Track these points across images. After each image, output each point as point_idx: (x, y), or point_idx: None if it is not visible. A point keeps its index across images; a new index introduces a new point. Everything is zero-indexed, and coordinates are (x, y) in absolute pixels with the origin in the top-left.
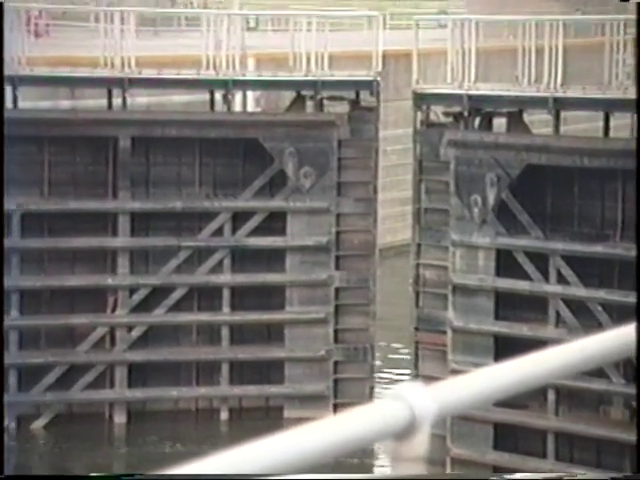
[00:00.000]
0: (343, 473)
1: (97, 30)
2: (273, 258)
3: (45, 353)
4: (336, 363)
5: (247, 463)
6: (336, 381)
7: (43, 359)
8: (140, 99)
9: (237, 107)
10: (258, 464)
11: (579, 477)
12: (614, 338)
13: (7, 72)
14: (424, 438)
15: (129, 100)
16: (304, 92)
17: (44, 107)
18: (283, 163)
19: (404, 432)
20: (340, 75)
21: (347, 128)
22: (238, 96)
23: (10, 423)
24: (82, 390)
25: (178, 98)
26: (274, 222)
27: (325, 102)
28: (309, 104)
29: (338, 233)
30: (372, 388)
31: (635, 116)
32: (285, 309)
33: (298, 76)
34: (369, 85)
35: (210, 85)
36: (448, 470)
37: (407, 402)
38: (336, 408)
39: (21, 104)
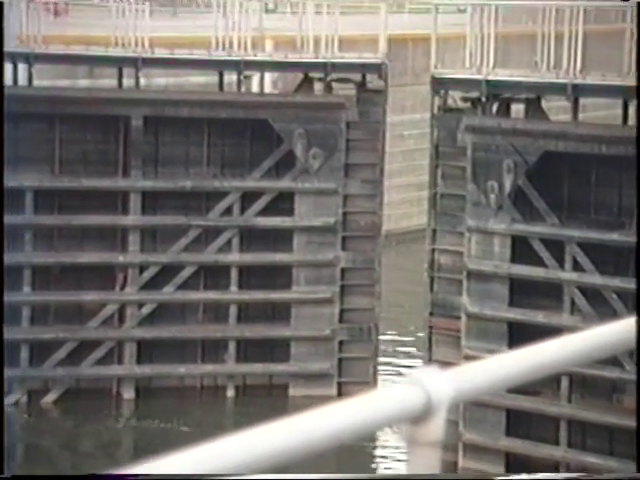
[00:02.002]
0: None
1: (115, 10)
2: (280, 238)
3: (56, 329)
4: (341, 342)
5: (258, 446)
6: (340, 360)
7: (54, 335)
8: (158, 80)
9: (254, 89)
10: (270, 447)
11: (595, 477)
12: (614, 331)
13: (23, 50)
14: (440, 423)
15: (147, 81)
16: (312, 74)
17: (57, 85)
18: (292, 144)
19: (420, 416)
20: (349, 57)
21: (355, 110)
22: (255, 78)
23: (21, 397)
24: (92, 366)
25: (195, 79)
26: (282, 202)
27: (333, 84)
28: (317, 86)
29: (345, 214)
30: (375, 367)
31: None
32: (292, 288)
33: (308, 58)
34: (377, 68)
35: (222, 66)
36: (460, 455)
37: (424, 386)
38: (340, 387)
39: (39, 82)
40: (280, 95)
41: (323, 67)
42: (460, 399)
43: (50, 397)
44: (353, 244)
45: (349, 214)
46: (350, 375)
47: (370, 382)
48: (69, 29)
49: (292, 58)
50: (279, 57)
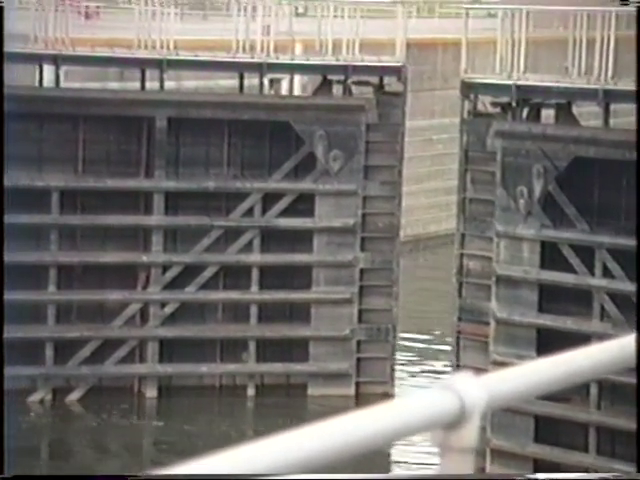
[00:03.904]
0: None
1: (145, 13)
2: (300, 239)
3: (80, 327)
4: (359, 342)
5: (289, 450)
6: (358, 360)
7: (79, 333)
8: (188, 83)
9: (283, 92)
10: (303, 451)
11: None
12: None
13: (50, 52)
14: (474, 429)
15: (177, 83)
16: (330, 76)
17: (82, 87)
18: (313, 146)
19: (454, 422)
20: (370, 60)
21: (375, 112)
22: (285, 81)
23: (46, 395)
24: (115, 364)
25: (224, 82)
26: (303, 204)
27: (353, 86)
28: (335, 88)
29: (364, 215)
30: (393, 367)
31: None
32: (311, 289)
33: (329, 61)
34: (397, 71)
35: (244, 68)
36: (488, 461)
37: (457, 392)
38: (358, 387)
39: (70, 84)
40: (301, 97)
41: (344, 70)
42: (493, 405)
43: (74, 395)
44: (372, 245)
45: (368, 215)
46: (368, 375)
47: (387, 382)
48: (99, 32)
49: (313, 61)
50: (301, 59)
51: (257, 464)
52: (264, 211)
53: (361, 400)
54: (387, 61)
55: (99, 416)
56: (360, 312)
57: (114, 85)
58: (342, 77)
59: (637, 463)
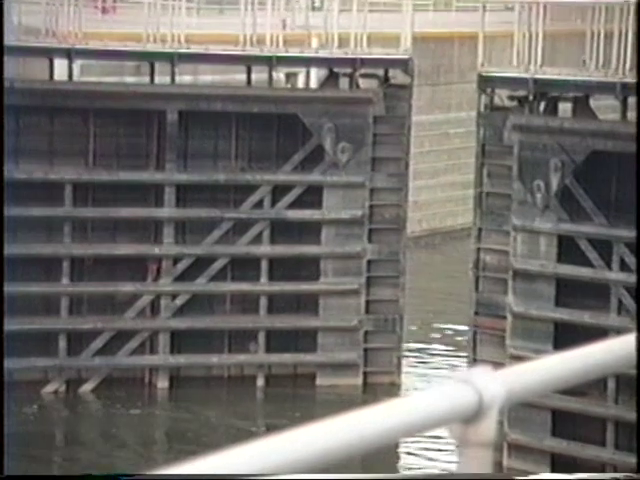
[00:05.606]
0: None
1: (157, 7)
2: (309, 230)
3: (93, 319)
4: (366, 333)
5: (307, 445)
6: (366, 350)
7: (92, 325)
8: (204, 77)
9: (300, 85)
10: (319, 447)
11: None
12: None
13: (63, 45)
14: (492, 423)
15: (194, 78)
16: (338, 69)
17: (93, 80)
18: (321, 138)
19: (472, 416)
20: (377, 53)
21: (382, 105)
22: (301, 75)
23: (60, 387)
24: (127, 356)
25: (240, 76)
26: (311, 195)
27: (359, 79)
28: (343, 81)
29: (371, 207)
30: (399, 358)
31: None
32: (320, 280)
33: (336, 54)
34: (404, 63)
35: (254, 61)
36: (505, 455)
37: (475, 386)
38: (365, 376)
39: (87, 78)
40: (309, 90)
41: (352, 62)
42: (512, 400)
43: (88, 386)
44: (379, 237)
45: (375, 207)
46: (375, 365)
47: (394, 372)
48: (115, 26)
49: (322, 54)
50: (310, 53)
51: (268, 462)
52: (273, 203)
53: (368, 390)
54: (394, 54)
55: (112, 407)
56: (367, 303)
57: (130, 79)
58: (350, 70)
59: (637, 461)
